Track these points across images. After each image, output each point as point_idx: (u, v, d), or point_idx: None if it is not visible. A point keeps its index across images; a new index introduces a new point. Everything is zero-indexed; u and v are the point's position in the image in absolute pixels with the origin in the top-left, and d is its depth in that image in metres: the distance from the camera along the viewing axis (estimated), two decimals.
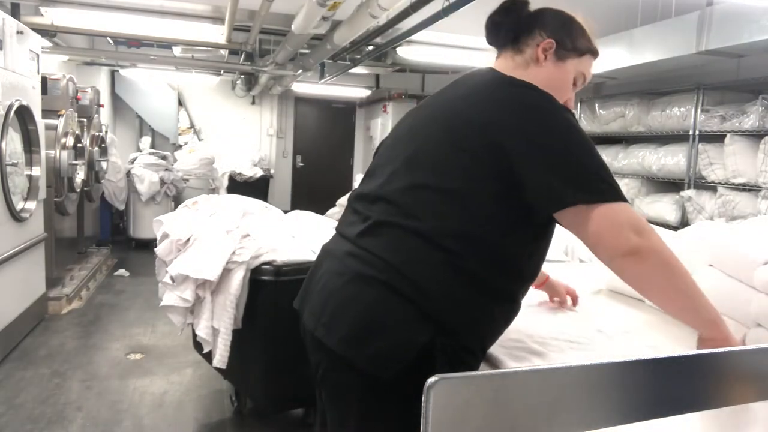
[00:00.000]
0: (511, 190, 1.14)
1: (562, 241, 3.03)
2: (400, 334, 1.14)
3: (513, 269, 1.23)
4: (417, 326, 1.13)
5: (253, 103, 9.19)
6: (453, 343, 1.15)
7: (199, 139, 8.80)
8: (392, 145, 1.35)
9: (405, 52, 5.70)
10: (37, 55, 4.04)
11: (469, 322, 1.18)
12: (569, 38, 1.35)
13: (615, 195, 1.12)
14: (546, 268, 1.52)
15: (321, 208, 4.02)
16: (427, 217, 1.16)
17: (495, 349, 1.34)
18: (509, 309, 1.26)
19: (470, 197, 1.15)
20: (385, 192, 1.24)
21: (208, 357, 2.47)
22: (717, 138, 4.46)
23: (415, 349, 1.12)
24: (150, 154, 7.15)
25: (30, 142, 3.93)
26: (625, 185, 5.40)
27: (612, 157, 5.62)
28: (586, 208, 1.11)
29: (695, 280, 1.17)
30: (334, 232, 1.40)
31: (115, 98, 8.20)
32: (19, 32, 3.66)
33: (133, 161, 7.01)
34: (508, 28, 1.37)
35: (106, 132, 6.17)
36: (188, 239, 2.49)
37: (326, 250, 1.36)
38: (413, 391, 1.05)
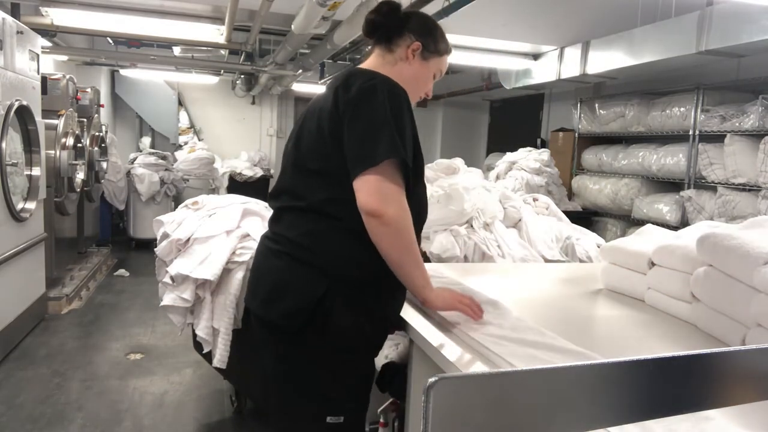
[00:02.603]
0: None
1: (562, 241, 3.03)
2: (302, 291, 1.40)
3: None
4: (314, 282, 1.39)
5: (253, 103, 9.19)
6: (350, 291, 1.41)
7: (199, 139, 8.80)
8: (290, 145, 1.58)
9: None
10: (37, 55, 4.04)
11: (361, 270, 1.42)
12: (433, 42, 1.60)
13: (387, 155, 1.34)
14: (545, 267, 1.53)
15: None
16: (308, 195, 1.44)
17: None
18: None
19: (333, 173, 1.41)
20: (283, 186, 1.54)
21: (208, 357, 2.47)
22: (717, 138, 4.45)
23: (314, 299, 1.38)
24: (150, 154, 7.15)
25: (30, 142, 3.93)
26: (625, 185, 5.41)
27: (612, 157, 5.62)
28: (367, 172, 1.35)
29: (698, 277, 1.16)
30: None
31: (115, 98, 8.20)
32: (19, 32, 3.66)
33: (133, 161, 7.01)
34: (383, 28, 1.59)
35: (106, 132, 6.17)
36: (188, 239, 2.49)
37: (260, 239, 1.64)
38: (322, 337, 1.40)
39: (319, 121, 1.45)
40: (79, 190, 5.04)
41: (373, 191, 1.34)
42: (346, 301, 1.40)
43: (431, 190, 2.99)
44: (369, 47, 5.49)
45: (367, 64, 1.59)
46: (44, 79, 4.31)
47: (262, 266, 1.55)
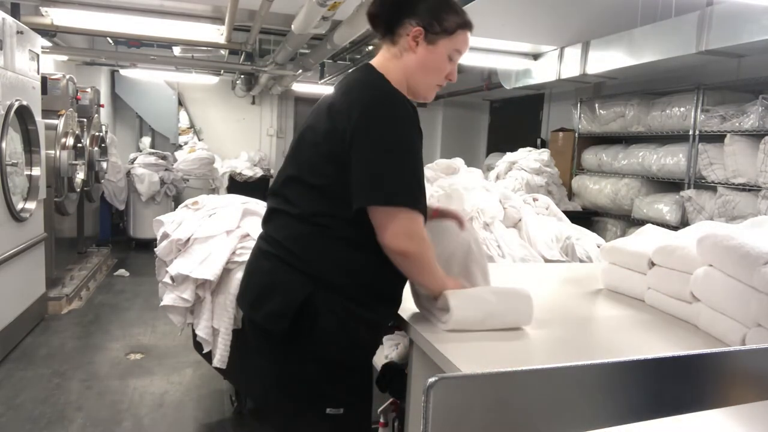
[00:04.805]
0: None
1: (562, 241, 3.03)
2: (286, 294, 1.40)
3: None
4: (299, 286, 1.39)
5: (253, 103, 9.19)
6: (336, 296, 1.39)
7: (199, 139, 8.80)
8: (291, 149, 1.55)
9: None
10: (37, 55, 4.04)
11: (349, 277, 1.40)
12: (437, 21, 1.45)
13: (406, 202, 1.33)
14: (545, 267, 1.52)
15: None
16: (300, 204, 1.43)
17: None
18: (387, 260, 1.41)
19: (331, 189, 1.39)
20: (279, 188, 1.51)
21: (208, 357, 2.47)
22: (717, 138, 4.45)
23: (297, 302, 1.37)
24: (150, 154, 7.15)
25: (30, 142, 3.93)
26: (625, 185, 5.40)
27: (612, 157, 5.62)
28: (380, 209, 1.34)
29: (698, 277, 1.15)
30: None
31: (115, 98, 8.20)
32: (19, 32, 3.66)
33: (133, 161, 7.01)
34: (381, 19, 1.50)
35: (106, 132, 6.17)
36: (188, 239, 2.49)
37: (257, 238, 1.62)
38: (307, 340, 1.40)
39: (316, 137, 1.42)
40: (79, 190, 5.04)
41: (399, 232, 1.33)
42: (333, 307, 1.39)
43: (431, 191, 2.99)
44: (371, 47, 5.51)
45: (376, 61, 1.51)
46: (44, 79, 4.31)
47: (253, 266, 1.55)
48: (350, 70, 1.58)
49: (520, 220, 3.07)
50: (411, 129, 1.39)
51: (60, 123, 4.48)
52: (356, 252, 1.40)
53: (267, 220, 1.54)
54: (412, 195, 1.34)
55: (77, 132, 4.82)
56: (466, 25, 1.48)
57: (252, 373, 2.56)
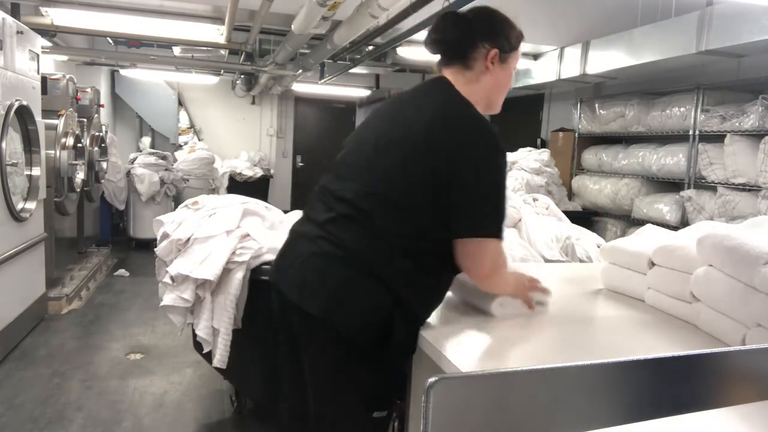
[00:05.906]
0: (446, 206, 1.37)
1: (562, 241, 3.03)
2: (368, 304, 1.38)
3: (450, 256, 1.43)
4: (380, 298, 1.38)
5: (253, 103, 9.19)
6: (407, 312, 1.40)
7: (199, 139, 8.80)
8: (357, 149, 1.51)
9: (405, 52, 5.70)
10: (37, 55, 4.04)
11: (418, 297, 1.43)
12: (506, 40, 1.49)
13: (495, 232, 1.39)
14: (545, 267, 1.53)
15: None
16: (381, 220, 1.39)
17: None
18: (446, 284, 1.52)
19: (415, 209, 1.38)
20: (347, 194, 1.44)
21: (208, 357, 2.47)
22: (717, 138, 4.45)
23: (381, 314, 1.37)
24: (150, 154, 7.15)
25: (30, 142, 3.93)
26: (625, 185, 5.41)
27: (612, 157, 5.62)
28: (474, 240, 1.40)
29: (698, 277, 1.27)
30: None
31: (115, 98, 8.20)
32: (19, 32, 3.66)
33: (133, 161, 7.01)
34: (451, 46, 1.48)
35: (106, 132, 6.17)
36: (188, 239, 2.49)
37: (297, 232, 1.55)
38: (379, 349, 1.41)
39: (404, 153, 1.39)
40: (79, 190, 5.03)
41: (485, 260, 1.41)
42: (404, 321, 1.41)
43: None
44: (370, 47, 5.50)
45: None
46: (44, 79, 4.31)
47: (321, 267, 1.43)
48: (430, 86, 1.54)
49: (519, 220, 3.07)
50: (504, 159, 1.43)
51: (60, 123, 4.47)
52: (431, 276, 1.44)
53: (334, 222, 1.44)
54: (499, 225, 1.40)
55: (77, 132, 4.82)
56: (522, 36, 1.53)
57: (255, 373, 2.56)
